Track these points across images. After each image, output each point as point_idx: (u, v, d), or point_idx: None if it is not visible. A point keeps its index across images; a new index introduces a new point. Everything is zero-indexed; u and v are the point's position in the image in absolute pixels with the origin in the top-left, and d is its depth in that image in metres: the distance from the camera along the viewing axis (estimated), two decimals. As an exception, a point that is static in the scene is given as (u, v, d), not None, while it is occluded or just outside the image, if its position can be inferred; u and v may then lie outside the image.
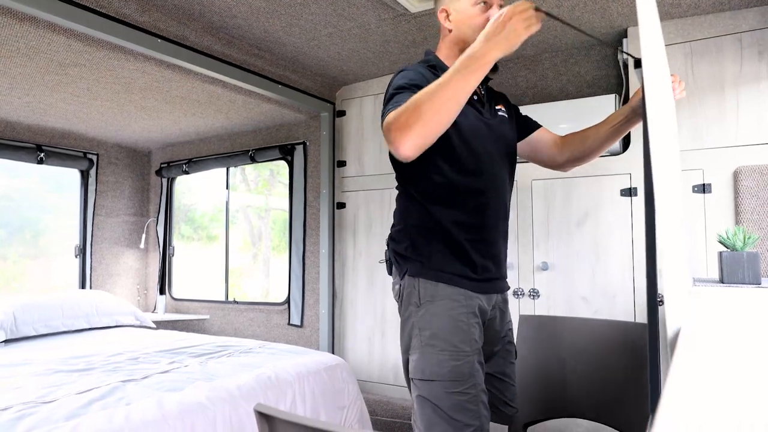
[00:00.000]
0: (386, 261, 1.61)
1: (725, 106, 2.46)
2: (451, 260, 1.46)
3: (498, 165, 1.52)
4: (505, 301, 1.64)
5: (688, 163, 2.51)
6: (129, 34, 2.29)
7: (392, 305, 3.24)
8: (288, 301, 3.66)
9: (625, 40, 2.68)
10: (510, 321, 1.69)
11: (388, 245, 1.60)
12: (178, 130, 3.87)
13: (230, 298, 4.08)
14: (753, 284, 1.81)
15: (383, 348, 3.31)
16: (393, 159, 1.46)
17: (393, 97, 1.35)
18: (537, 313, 2.82)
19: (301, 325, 3.59)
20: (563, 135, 1.74)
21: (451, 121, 1.24)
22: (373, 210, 3.41)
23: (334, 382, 2.28)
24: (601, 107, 2.70)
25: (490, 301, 1.53)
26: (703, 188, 2.48)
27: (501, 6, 1.43)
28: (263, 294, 4.76)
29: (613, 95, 2.69)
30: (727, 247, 1.91)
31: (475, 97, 1.51)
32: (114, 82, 2.82)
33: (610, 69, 2.91)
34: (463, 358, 1.40)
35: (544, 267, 2.81)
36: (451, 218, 1.46)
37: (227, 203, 4.24)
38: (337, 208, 3.54)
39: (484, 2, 1.43)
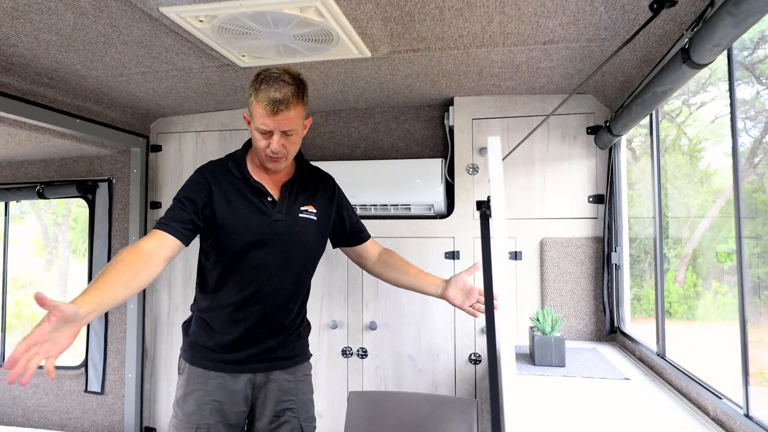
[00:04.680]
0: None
1: (534, 181, 2.69)
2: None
3: (279, 262, 1.65)
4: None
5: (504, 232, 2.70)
6: None
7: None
8: (86, 364, 3.13)
9: (451, 107, 2.79)
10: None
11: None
12: (-66, 153, 3.07)
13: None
14: (558, 366, 1.98)
15: (201, 412, 3.01)
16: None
17: (172, 203, 1.62)
18: (365, 373, 2.80)
19: (102, 392, 3.09)
20: (387, 253, 1.98)
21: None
22: (192, 260, 3.08)
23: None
24: (429, 170, 2.78)
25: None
26: (516, 255, 2.69)
27: (285, 136, 1.55)
28: None
29: (440, 160, 2.79)
30: (539, 330, 2.07)
31: (270, 199, 1.65)
32: None
33: (437, 130, 3.01)
34: None
35: (373, 326, 2.80)
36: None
37: (5, 245, 3.50)
38: (150, 255, 3.13)
39: (265, 132, 1.55)
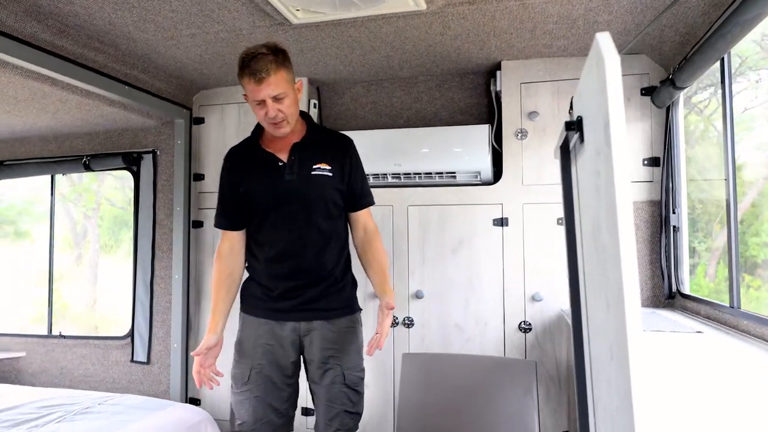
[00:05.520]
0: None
1: (585, 145, 2.62)
2: None
3: (300, 218, 1.80)
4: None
5: (554, 196, 2.64)
6: None
7: (257, 336, 2.96)
8: (132, 334, 3.15)
9: (498, 72, 2.74)
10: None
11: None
12: (-16, 126, 3.12)
13: (54, 331, 3.41)
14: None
15: (245, 382, 3.00)
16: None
17: (219, 193, 1.92)
18: (411, 342, 2.77)
19: (148, 362, 3.12)
20: (373, 235, 1.96)
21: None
22: (236, 230, 3.08)
23: (199, 445, 1.96)
24: (475, 136, 2.73)
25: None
26: (566, 221, 2.62)
27: (276, 101, 1.71)
28: (90, 303, 4.14)
29: (487, 126, 2.74)
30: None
31: (280, 164, 1.81)
32: None
33: (482, 98, 2.97)
34: None
35: (419, 295, 2.77)
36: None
37: (52, 215, 3.55)
38: (194, 227, 3.15)
39: (260, 103, 1.72)
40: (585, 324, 1.31)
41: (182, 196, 3.08)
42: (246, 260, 1.91)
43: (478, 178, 2.76)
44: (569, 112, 1.43)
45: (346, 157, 1.88)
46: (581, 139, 1.16)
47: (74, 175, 4.24)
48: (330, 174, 1.83)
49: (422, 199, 2.81)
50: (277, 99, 1.69)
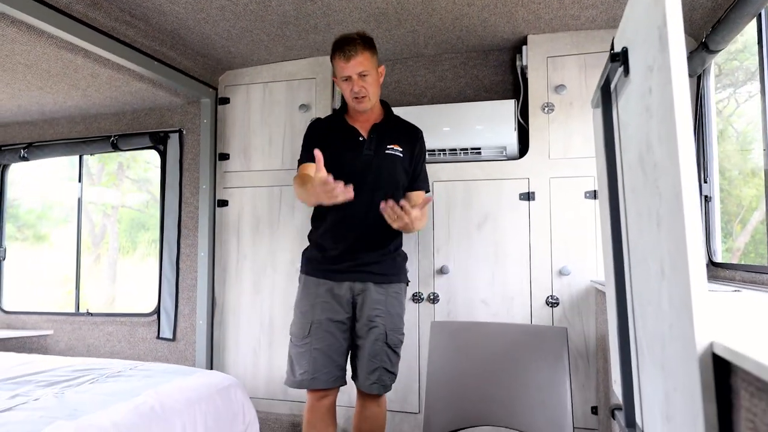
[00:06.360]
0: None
1: (613, 118, 2.60)
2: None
3: (369, 189, 2.03)
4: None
5: (582, 170, 2.62)
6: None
7: (280, 313, 2.97)
8: (158, 311, 3.18)
9: (524, 47, 2.73)
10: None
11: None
12: (15, 107, 3.18)
13: (82, 309, 3.45)
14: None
15: (270, 360, 3.01)
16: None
17: (302, 148, 2.14)
18: (437, 318, 2.76)
19: (174, 339, 3.14)
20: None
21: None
22: (260, 209, 3.10)
23: (230, 406, 1.97)
24: (501, 112, 2.73)
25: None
26: (594, 194, 2.60)
27: (361, 77, 1.98)
28: (108, 302, 4.22)
29: (512, 101, 2.73)
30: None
31: (361, 139, 2.09)
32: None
33: (507, 75, 2.96)
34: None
35: (444, 271, 2.76)
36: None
37: (80, 199, 3.60)
38: (219, 206, 3.17)
39: (347, 79, 2.00)
40: (627, 263, 1.29)
41: (208, 175, 3.11)
42: (311, 223, 2.17)
43: (504, 154, 2.75)
44: (610, 53, 1.42)
45: (416, 144, 2.17)
46: (626, 71, 1.16)
47: (94, 175, 4.33)
48: (401, 155, 2.10)
49: (447, 175, 2.80)
50: (361, 76, 1.96)
